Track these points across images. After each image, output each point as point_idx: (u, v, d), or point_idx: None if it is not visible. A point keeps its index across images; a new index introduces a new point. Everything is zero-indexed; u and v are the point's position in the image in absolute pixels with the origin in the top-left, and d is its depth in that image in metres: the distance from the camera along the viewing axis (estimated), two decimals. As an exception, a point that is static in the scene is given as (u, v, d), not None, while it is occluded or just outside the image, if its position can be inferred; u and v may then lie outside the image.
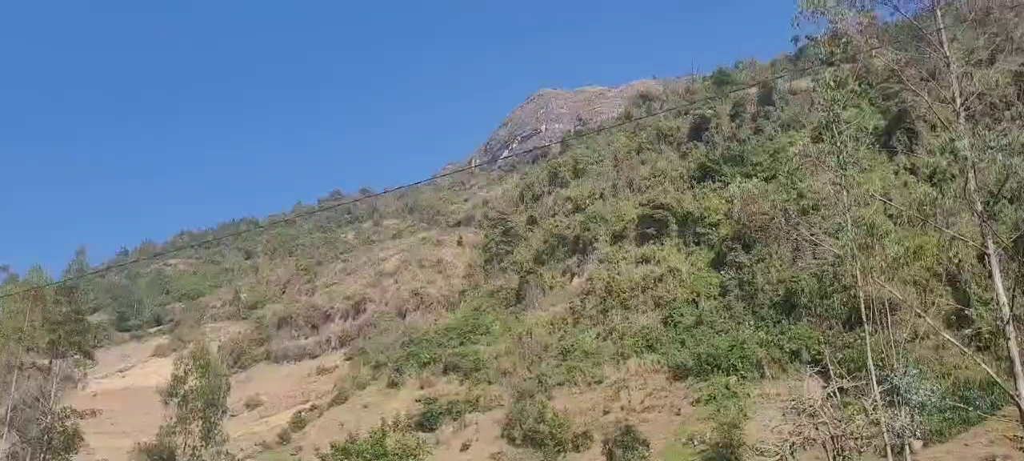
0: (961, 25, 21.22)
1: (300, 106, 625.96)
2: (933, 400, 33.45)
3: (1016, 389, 18.34)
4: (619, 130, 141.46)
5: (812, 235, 30.48)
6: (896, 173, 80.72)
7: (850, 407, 40.88)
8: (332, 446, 62.59)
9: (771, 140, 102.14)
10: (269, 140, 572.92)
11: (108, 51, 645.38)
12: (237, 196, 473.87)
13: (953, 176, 20.80)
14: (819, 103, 29.26)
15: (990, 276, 19.49)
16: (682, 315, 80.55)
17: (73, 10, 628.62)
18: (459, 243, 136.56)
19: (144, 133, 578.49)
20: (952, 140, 19.51)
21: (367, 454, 58.59)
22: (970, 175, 19.11)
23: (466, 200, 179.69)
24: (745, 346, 68.64)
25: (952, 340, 27.72)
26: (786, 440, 45.29)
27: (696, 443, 59.99)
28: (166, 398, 68.96)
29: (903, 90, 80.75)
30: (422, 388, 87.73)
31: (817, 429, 42.23)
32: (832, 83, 27.05)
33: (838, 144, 27.73)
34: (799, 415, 44.31)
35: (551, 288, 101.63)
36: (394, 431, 69.51)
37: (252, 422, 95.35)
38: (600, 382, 75.76)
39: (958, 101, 20.10)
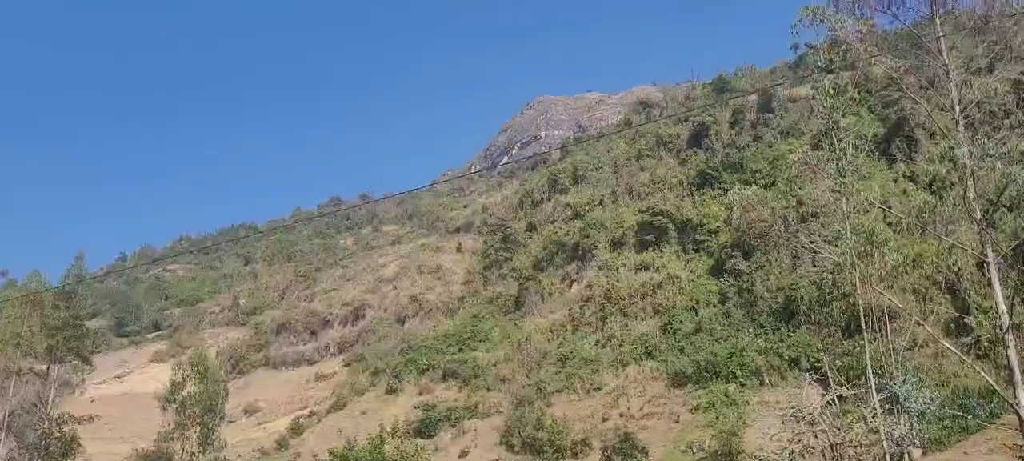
0: (960, 33, 21.27)
1: (299, 108, 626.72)
2: (932, 408, 33.43)
3: (1015, 397, 18.34)
4: (619, 137, 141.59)
5: (811, 242, 30.44)
6: (895, 181, 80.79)
7: (849, 415, 40.78)
8: (330, 452, 62.31)
9: (770, 147, 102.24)
10: (268, 142, 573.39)
11: (105, 50, 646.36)
12: (237, 201, 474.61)
13: (952, 184, 20.84)
14: (818, 111, 29.31)
15: (989, 284, 19.50)
16: (681, 322, 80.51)
17: (71, 8, 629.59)
18: (458, 249, 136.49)
19: (143, 134, 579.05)
20: (951, 148, 19.55)
21: (365, 460, 58.39)
22: (969, 183, 19.15)
23: (465, 206, 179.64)
24: (744, 353, 68.62)
25: (951, 348, 27.74)
26: (785, 448, 45.25)
27: (695, 450, 59.95)
28: (164, 404, 68.93)
29: (902, 98, 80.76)
30: (421, 394, 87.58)
31: (816, 437, 42.15)
32: (831, 91, 27.07)
33: (837, 151, 27.76)
34: (798, 423, 44.26)
35: (550, 295, 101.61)
36: (392, 437, 69.10)
37: (250, 428, 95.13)
38: (599, 389, 75.69)
39: (957, 109, 20.14)
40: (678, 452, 60.82)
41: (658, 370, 74.87)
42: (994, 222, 20.58)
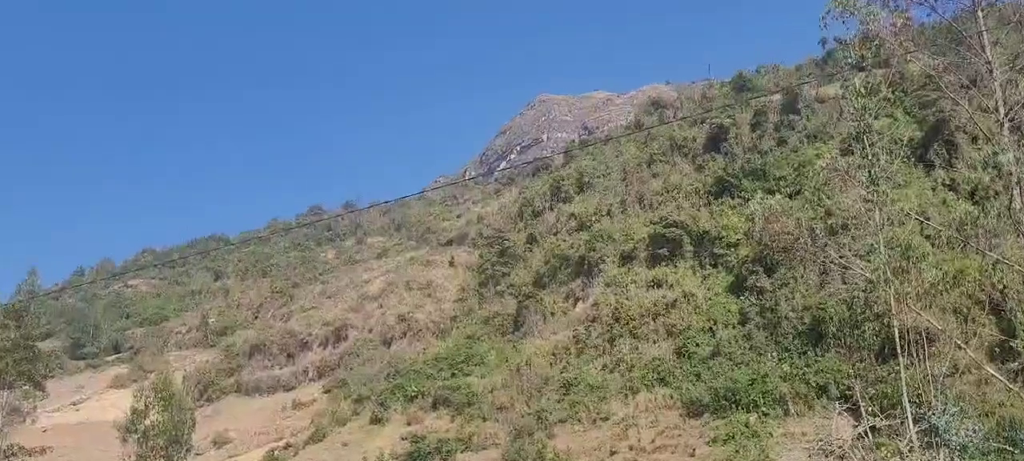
0: (1005, 27, 21.32)
1: (276, 109, 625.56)
2: (975, 441, 33.27)
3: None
4: (628, 140, 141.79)
5: (841, 257, 30.43)
6: (934, 189, 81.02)
7: (883, 448, 40.71)
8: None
9: (796, 152, 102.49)
10: (242, 146, 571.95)
11: (57, 48, 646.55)
12: (206, 210, 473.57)
13: (996, 193, 20.85)
14: (849, 112, 29.29)
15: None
16: (697, 345, 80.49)
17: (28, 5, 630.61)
18: (451, 264, 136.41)
19: (101, 138, 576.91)
20: (995, 153, 19.57)
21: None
22: (1015, 192, 19.17)
23: (459, 216, 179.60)
24: (767, 380, 68.54)
25: (996, 375, 27.75)
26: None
27: (713, 487, 59.85)
28: (125, 434, 68.67)
29: (941, 98, 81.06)
30: (409, 424, 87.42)
31: (846, 473, 42.13)
32: (863, 90, 27.08)
33: (870, 157, 27.73)
34: (826, 457, 44.23)
35: (552, 314, 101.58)
36: (377, 472, 69.26)
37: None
38: (606, 419, 75.58)
39: (1002, 111, 20.17)
40: (694, 489, 60.74)
41: (672, 398, 74.79)
42: (1043, 235, 20.57)
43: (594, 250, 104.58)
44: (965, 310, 63.09)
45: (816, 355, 69.64)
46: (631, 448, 68.92)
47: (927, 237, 57.79)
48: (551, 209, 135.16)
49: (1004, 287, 54.68)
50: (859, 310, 65.79)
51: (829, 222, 72.86)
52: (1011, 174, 18.99)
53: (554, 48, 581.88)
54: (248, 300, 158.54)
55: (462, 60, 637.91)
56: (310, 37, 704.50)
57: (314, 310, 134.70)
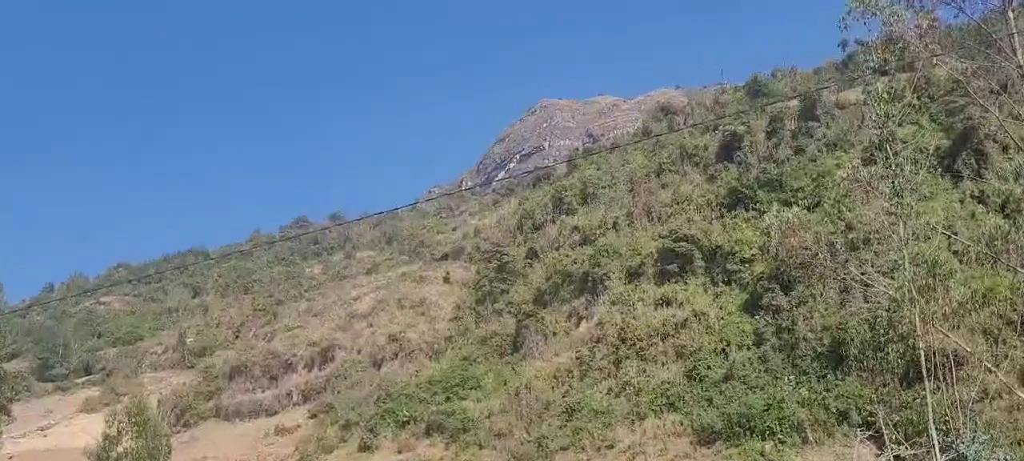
0: (1037, 29, 21.35)
1: (259, 114, 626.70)
2: (1007, 471, 33.31)
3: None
4: (635, 148, 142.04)
5: (863, 274, 30.42)
6: (962, 202, 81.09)
7: (908, 479, 40.69)
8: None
9: (814, 162, 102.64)
10: (223, 153, 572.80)
11: (28, 46, 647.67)
12: (184, 222, 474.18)
13: (1029, 206, 20.87)
14: (871, 119, 29.32)
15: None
16: (709, 367, 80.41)
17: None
18: (446, 280, 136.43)
19: (75, 144, 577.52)
20: (1027, 164, 19.58)
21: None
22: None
23: (455, 229, 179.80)
24: (784, 405, 68.42)
25: (1029, 400, 27.68)
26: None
27: (726, 521, 59.73)
28: (96, 462, 68.63)
29: (970, 105, 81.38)
30: (400, 452, 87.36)
31: (869, 505, 42.03)
32: (886, 95, 27.12)
33: (893, 167, 27.75)
34: (848, 488, 44.12)
35: (554, 334, 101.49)
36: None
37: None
38: (612, 447, 75.46)
39: (1034, 118, 20.19)
40: (705, 522, 60.63)
41: (682, 424, 74.67)
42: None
43: (599, 266, 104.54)
44: (995, 331, 63.04)
45: (836, 379, 69.54)
46: (638, 478, 68.89)
47: (955, 253, 57.89)
48: (553, 222, 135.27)
49: (1037, 306, 54.81)
50: (882, 331, 65.75)
51: (850, 237, 73.19)
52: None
53: (556, 49, 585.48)
54: (228, 318, 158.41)
55: (461, 60, 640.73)
56: (309, 37, 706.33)
57: (299, 329, 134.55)
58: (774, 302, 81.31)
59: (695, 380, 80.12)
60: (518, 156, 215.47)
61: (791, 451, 64.85)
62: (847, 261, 31.95)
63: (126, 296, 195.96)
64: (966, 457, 31.46)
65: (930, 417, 30.17)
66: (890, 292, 28.86)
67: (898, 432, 45.88)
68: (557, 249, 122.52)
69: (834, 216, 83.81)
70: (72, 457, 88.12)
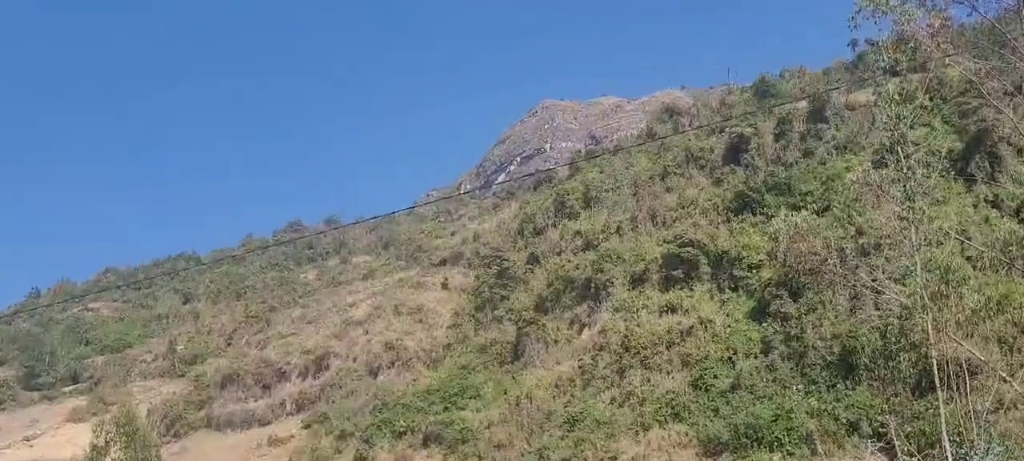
0: (1052, 29, 21.37)
1: (251, 116, 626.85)
2: (1022, 484, 33.32)
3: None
4: (639, 151, 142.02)
5: (874, 280, 30.49)
6: (975, 206, 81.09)
7: (921, 491, 40.69)
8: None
9: (824, 164, 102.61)
10: (214, 155, 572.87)
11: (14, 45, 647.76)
12: (175, 227, 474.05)
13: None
14: (882, 121, 29.37)
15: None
16: (715, 376, 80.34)
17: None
18: (444, 286, 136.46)
19: (62, 146, 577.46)
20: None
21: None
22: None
23: (453, 234, 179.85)
24: (792, 415, 68.42)
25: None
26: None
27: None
28: (83, 473, 68.64)
29: (983, 106, 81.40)
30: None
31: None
32: (897, 97, 27.16)
33: (905, 170, 27.78)
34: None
35: (556, 342, 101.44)
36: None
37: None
38: (615, 458, 75.38)
39: (1050, 120, 20.21)
40: (711, 536, 60.60)
41: (687, 435, 74.62)
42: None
43: (602, 271, 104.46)
44: (1010, 339, 63.01)
45: (846, 388, 69.50)
46: (642, 490, 68.85)
47: (968, 258, 57.71)
48: (554, 226, 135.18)
49: (1054, 314, 54.84)
50: (894, 339, 65.73)
51: (860, 242, 73.20)
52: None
53: (558, 49, 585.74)
54: (220, 325, 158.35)
55: (461, 61, 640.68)
56: (308, 36, 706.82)
57: (293, 337, 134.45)
58: (782, 309, 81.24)
59: (701, 389, 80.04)
60: (519, 158, 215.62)
61: (800, 463, 64.88)
62: (857, 267, 31.98)
63: (115, 302, 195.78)
64: (980, 469, 31.46)
65: (943, 428, 30.18)
66: (902, 299, 28.94)
67: (910, 443, 45.96)
68: (559, 254, 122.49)
69: (844, 221, 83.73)
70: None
